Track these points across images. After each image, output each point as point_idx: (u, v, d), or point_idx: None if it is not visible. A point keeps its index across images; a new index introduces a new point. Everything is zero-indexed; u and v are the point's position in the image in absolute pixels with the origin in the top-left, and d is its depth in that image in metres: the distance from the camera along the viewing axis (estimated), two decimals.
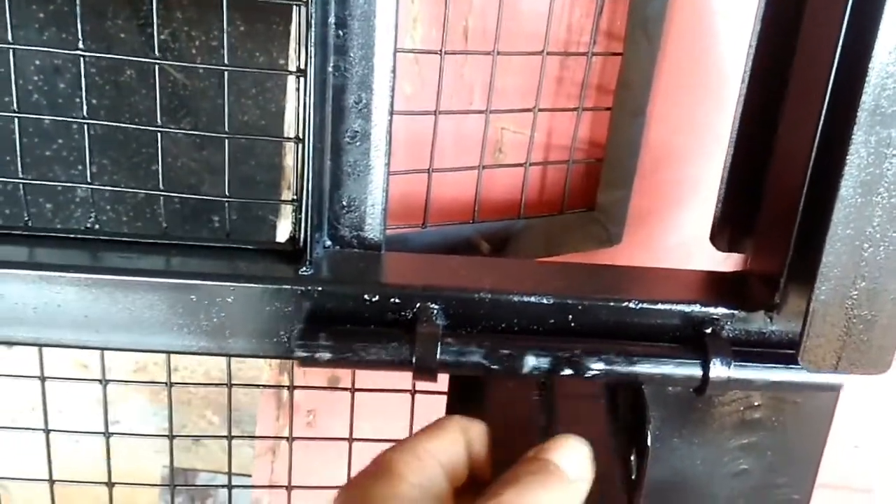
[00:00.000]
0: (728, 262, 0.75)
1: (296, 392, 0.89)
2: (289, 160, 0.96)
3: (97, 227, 0.69)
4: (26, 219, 0.69)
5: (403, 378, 0.68)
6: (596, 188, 0.93)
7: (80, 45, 0.64)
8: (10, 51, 0.64)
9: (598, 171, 0.92)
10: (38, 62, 1.15)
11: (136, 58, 1.15)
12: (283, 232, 0.95)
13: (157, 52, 0.68)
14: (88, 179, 0.69)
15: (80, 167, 1.19)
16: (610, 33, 0.90)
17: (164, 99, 1.17)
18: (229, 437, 0.83)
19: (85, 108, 0.67)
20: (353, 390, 0.83)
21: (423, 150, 0.84)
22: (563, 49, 0.89)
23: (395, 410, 0.86)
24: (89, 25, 1.14)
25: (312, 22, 0.60)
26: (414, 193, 0.86)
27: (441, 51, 0.79)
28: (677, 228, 0.95)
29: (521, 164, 0.88)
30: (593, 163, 0.93)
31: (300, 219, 0.67)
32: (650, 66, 0.89)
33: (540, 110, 0.87)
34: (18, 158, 0.68)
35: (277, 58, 1.19)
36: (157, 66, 0.66)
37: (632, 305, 0.68)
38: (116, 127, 1.16)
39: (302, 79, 0.63)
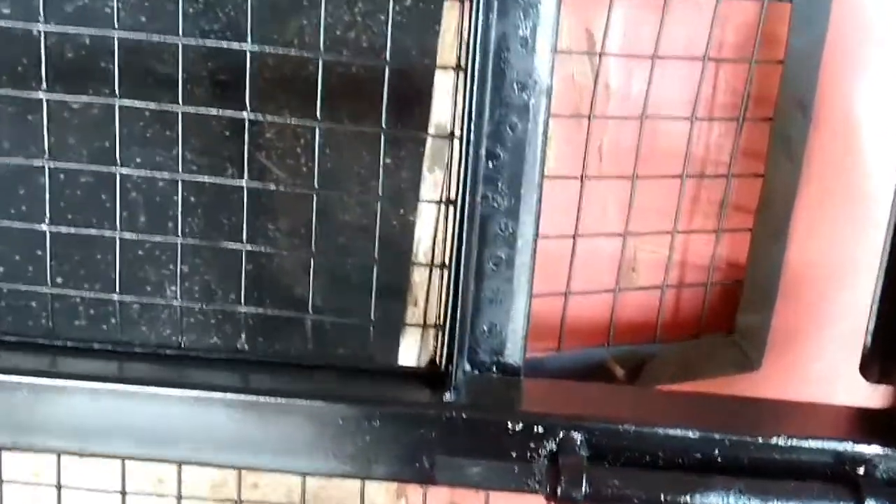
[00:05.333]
0: (876, 392, 0.72)
1: None
2: (417, 277, 0.96)
3: (246, 347, 0.71)
4: (180, 339, 0.71)
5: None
6: (734, 311, 0.91)
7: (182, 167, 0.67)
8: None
9: (736, 293, 0.91)
10: (138, 159, 1.12)
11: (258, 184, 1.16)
12: (407, 350, 0.95)
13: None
14: (242, 303, 0.72)
15: (171, 266, 1.19)
16: (748, 152, 0.89)
17: (263, 197, 1.19)
18: None
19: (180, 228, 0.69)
20: None
21: (552, 268, 0.84)
22: (700, 168, 0.88)
23: None
24: (195, 124, 1.15)
25: (466, 156, 0.62)
26: (545, 314, 0.85)
27: (582, 176, 0.79)
28: (821, 354, 0.92)
29: (657, 287, 0.87)
30: (731, 284, 0.91)
31: (443, 343, 0.67)
32: (793, 186, 0.87)
33: (679, 232, 0.86)
34: (177, 284, 0.70)
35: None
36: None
37: (780, 442, 0.66)
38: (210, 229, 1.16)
39: (451, 208, 0.65)
